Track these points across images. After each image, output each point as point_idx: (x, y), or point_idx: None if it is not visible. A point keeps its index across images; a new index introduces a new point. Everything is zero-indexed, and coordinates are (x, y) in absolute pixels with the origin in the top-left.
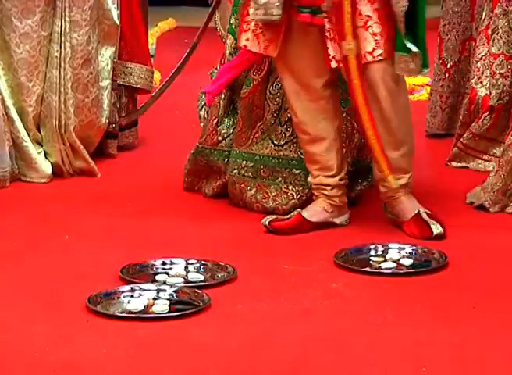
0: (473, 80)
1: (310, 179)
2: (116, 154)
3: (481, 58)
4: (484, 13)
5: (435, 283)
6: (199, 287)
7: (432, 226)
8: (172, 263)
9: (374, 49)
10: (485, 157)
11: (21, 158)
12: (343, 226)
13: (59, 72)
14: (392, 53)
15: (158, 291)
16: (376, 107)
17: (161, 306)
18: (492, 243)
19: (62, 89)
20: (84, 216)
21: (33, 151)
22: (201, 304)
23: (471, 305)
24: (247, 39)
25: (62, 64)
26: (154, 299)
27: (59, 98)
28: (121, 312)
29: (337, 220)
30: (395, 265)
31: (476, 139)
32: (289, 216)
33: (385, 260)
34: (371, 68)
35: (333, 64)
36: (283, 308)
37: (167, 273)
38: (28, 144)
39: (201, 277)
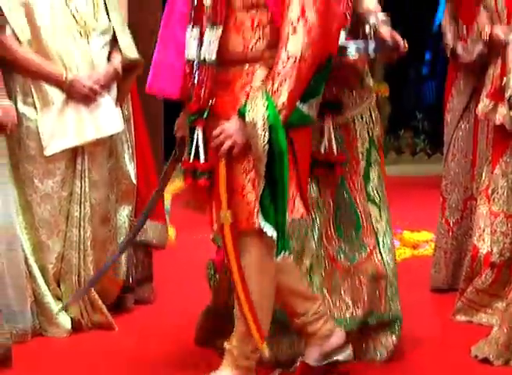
0: (475, 238)
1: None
2: (133, 307)
3: (482, 217)
4: (484, 174)
5: None
6: None
7: None
8: None
9: (249, 217)
10: (489, 311)
11: (42, 313)
12: None
13: (79, 230)
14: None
15: None
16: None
17: None
18: None
19: (82, 246)
20: (101, 371)
21: (54, 306)
22: None
23: None
24: None
25: (82, 223)
26: None
27: (79, 255)
28: None
29: None
30: None
31: (479, 294)
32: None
33: None
34: (244, 237)
35: (215, 227)
36: None
37: None
38: (49, 300)
39: None
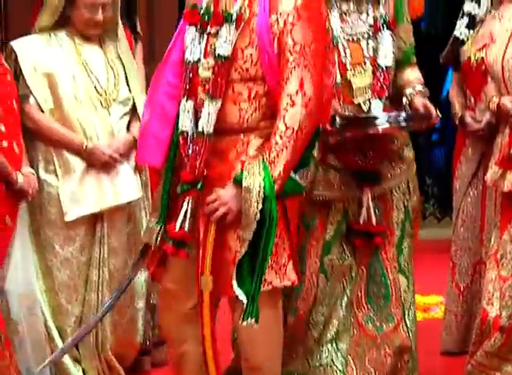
0: (484, 302)
1: None
2: (150, 370)
3: (491, 281)
4: (493, 239)
5: None
6: None
7: None
8: None
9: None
10: (498, 374)
11: None
12: None
13: (97, 295)
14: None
15: None
16: None
17: None
18: None
19: (100, 310)
20: None
21: (73, 369)
22: None
23: None
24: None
25: (101, 287)
26: None
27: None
28: None
29: None
30: None
31: (489, 357)
32: None
33: None
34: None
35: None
36: None
37: None
38: (68, 362)
39: None
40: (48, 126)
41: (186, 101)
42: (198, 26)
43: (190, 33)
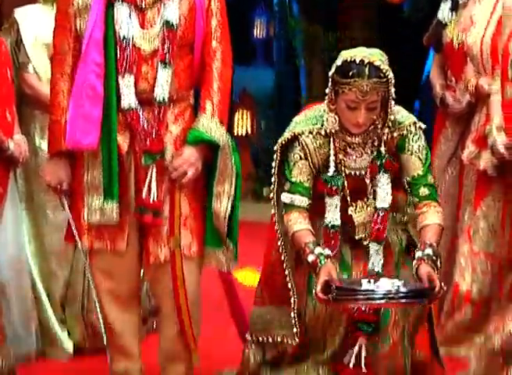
0: (456, 275)
1: (115, 368)
2: (144, 336)
3: (463, 255)
4: (466, 215)
5: None
6: None
7: None
8: None
9: (191, 244)
10: (467, 345)
11: (46, 336)
12: None
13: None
14: (203, 249)
15: None
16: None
17: None
18: None
19: (88, 275)
20: None
21: (58, 330)
22: None
23: None
24: (92, 240)
25: None
26: None
27: (84, 282)
28: None
29: None
30: None
31: (459, 329)
32: None
33: None
34: (187, 261)
35: (151, 260)
36: None
37: None
38: (54, 324)
39: None
40: (46, 93)
41: (126, 76)
42: (129, 3)
43: (122, 9)
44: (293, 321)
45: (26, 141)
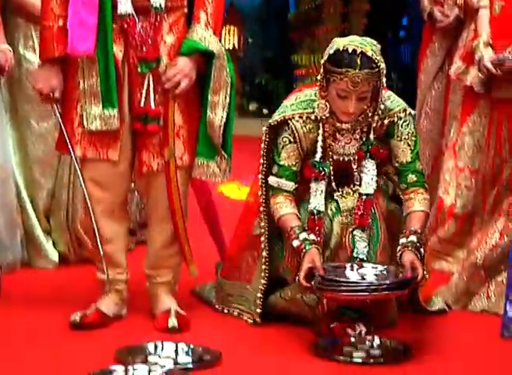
0: (440, 190)
1: (101, 276)
2: (134, 248)
3: (448, 171)
4: (452, 131)
5: (401, 373)
6: (187, 369)
7: (169, 320)
8: (163, 346)
9: (183, 155)
10: (450, 259)
11: (31, 246)
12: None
13: (70, 170)
14: (193, 159)
15: (150, 371)
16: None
17: None
18: (453, 337)
19: (72, 185)
20: (86, 301)
21: (43, 239)
22: None
23: None
24: (85, 148)
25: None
26: None
27: (68, 193)
28: None
29: (123, 312)
30: (365, 355)
31: (442, 243)
32: (89, 311)
33: (357, 349)
34: (178, 171)
35: (144, 169)
36: None
37: (158, 355)
38: (39, 233)
39: (189, 360)
40: (32, 2)
41: None
42: None
43: None
44: (258, 302)
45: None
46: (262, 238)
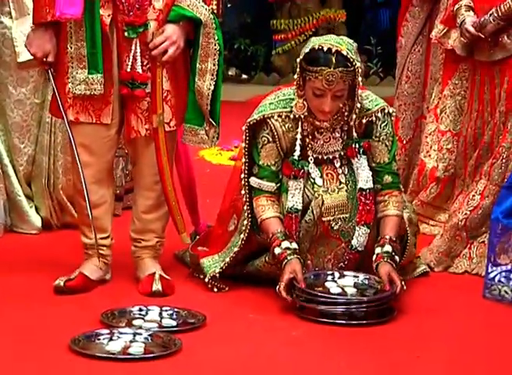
0: (422, 154)
1: (85, 240)
2: (121, 214)
3: (430, 134)
4: (433, 94)
5: (384, 333)
6: (172, 332)
7: (153, 284)
8: (147, 310)
9: (170, 120)
10: (432, 222)
11: (14, 211)
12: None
13: (50, 135)
14: (180, 124)
15: (135, 334)
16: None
17: (137, 348)
18: (435, 299)
19: (52, 151)
20: (70, 265)
21: (26, 205)
22: (174, 347)
23: (415, 355)
24: (77, 112)
25: (53, 129)
26: (131, 342)
27: (49, 159)
28: (100, 353)
29: (107, 277)
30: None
31: (424, 206)
32: (73, 275)
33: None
34: (166, 136)
35: (133, 134)
36: (248, 353)
37: (143, 319)
38: (21, 198)
39: (174, 323)
40: None
41: None
42: None
43: None
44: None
45: None
46: (242, 236)
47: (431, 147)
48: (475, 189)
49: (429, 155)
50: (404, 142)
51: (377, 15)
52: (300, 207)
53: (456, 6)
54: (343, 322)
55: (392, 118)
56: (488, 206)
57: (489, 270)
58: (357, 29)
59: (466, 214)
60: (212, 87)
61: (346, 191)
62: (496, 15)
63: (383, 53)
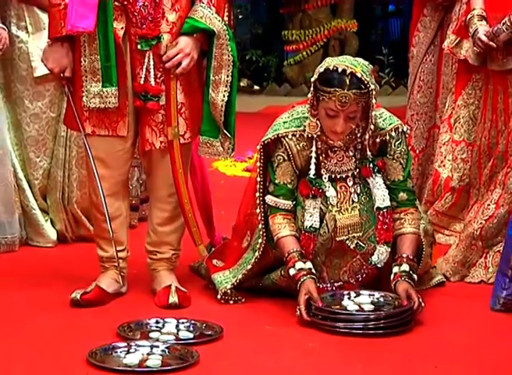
0: (436, 164)
1: (101, 253)
2: (137, 224)
3: (444, 144)
4: (447, 104)
5: (401, 344)
6: (189, 344)
7: (170, 297)
8: (164, 322)
9: (185, 133)
10: (447, 232)
11: (29, 224)
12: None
13: (65, 149)
14: (195, 136)
15: (152, 347)
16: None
17: (155, 361)
18: (452, 309)
19: (67, 165)
20: (85, 279)
21: (41, 218)
22: (191, 359)
23: (433, 365)
24: (94, 125)
25: (68, 143)
26: (148, 354)
27: (64, 172)
28: (118, 366)
29: (123, 290)
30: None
31: (439, 216)
32: (89, 288)
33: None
34: (181, 149)
35: (147, 147)
36: (265, 365)
37: (160, 331)
38: (37, 212)
39: (191, 335)
40: None
41: None
42: None
43: None
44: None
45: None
46: (256, 253)
47: (445, 157)
48: (490, 198)
49: (444, 165)
50: (417, 152)
51: (388, 25)
52: (317, 226)
53: (469, 16)
54: (360, 332)
55: (406, 135)
56: (503, 215)
57: (506, 286)
58: (368, 39)
59: (481, 223)
60: (226, 99)
61: (358, 210)
62: (508, 24)
63: (395, 63)
